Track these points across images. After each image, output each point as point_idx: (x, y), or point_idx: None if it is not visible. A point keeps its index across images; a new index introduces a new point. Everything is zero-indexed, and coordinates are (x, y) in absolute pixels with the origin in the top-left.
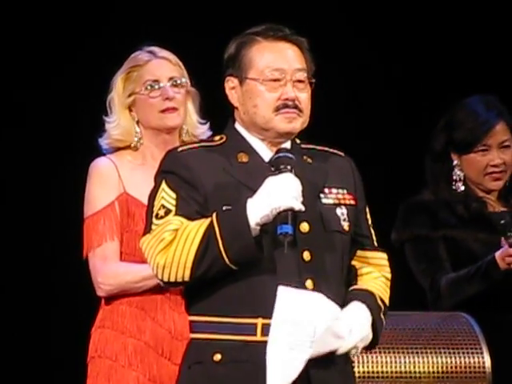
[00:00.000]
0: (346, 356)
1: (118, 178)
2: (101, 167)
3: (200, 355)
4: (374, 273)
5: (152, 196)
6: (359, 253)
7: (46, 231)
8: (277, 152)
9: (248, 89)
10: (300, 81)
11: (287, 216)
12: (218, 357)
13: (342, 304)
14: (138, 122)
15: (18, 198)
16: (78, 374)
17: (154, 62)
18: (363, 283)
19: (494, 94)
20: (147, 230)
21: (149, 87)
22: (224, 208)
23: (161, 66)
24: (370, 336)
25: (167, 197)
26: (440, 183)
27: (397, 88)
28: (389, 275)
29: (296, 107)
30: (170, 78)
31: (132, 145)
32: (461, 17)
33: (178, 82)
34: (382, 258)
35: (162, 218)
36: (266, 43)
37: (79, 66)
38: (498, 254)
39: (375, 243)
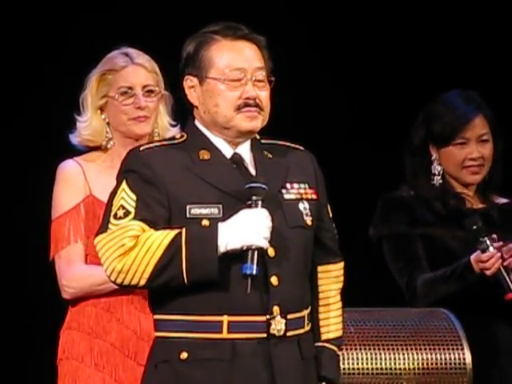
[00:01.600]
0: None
1: (84, 180)
2: (67, 170)
3: (166, 354)
4: (334, 297)
5: (112, 194)
6: (320, 268)
7: (16, 233)
8: (250, 181)
9: (208, 88)
10: (260, 80)
11: (253, 255)
12: (184, 355)
13: (307, 299)
14: (108, 123)
15: None
16: (50, 376)
17: (129, 69)
18: (327, 327)
19: (474, 89)
20: (103, 228)
21: (122, 94)
22: (187, 208)
23: (136, 73)
24: None
25: (127, 197)
26: (419, 177)
27: (373, 83)
28: (341, 285)
29: (257, 105)
30: (144, 86)
31: (102, 145)
32: (441, 12)
33: (152, 89)
34: (339, 268)
35: (120, 218)
36: (226, 42)
37: (50, 66)
38: (473, 257)
39: (336, 236)
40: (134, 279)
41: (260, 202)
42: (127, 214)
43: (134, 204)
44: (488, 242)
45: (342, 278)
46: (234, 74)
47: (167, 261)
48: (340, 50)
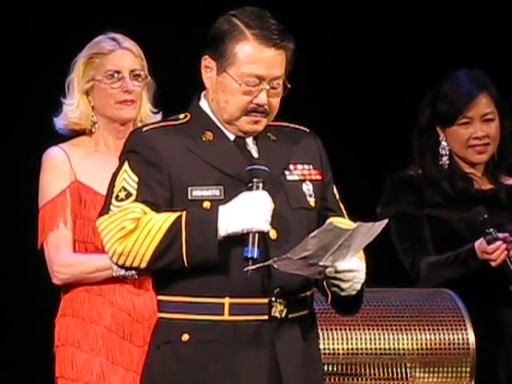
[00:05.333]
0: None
1: (69, 166)
2: (52, 157)
3: (168, 335)
4: None
5: (114, 175)
6: (332, 219)
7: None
8: (250, 163)
9: (224, 81)
10: (275, 88)
11: (254, 238)
12: (186, 337)
13: (309, 281)
14: (93, 108)
15: None
16: (48, 364)
17: (117, 53)
18: None
19: (484, 69)
20: (105, 210)
21: (110, 77)
22: (189, 189)
23: (124, 57)
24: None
25: (129, 179)
26: (426, 158)
27: (381, 62)
28: None
29: (264, 111)
30: (132, 71)
31: (87, 129)
32: None
33: (139, 73)
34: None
35: (122, 200)
36: (255, 45)
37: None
38: (477, 245)
39: (346, 216)
40: (134, 262)
41: (261, 185)
42: (129, 195)
43: (135, 186)
44: (494, 234)
45: None
46: (252, 81)
47: (167, 244)
48: (353, 29)
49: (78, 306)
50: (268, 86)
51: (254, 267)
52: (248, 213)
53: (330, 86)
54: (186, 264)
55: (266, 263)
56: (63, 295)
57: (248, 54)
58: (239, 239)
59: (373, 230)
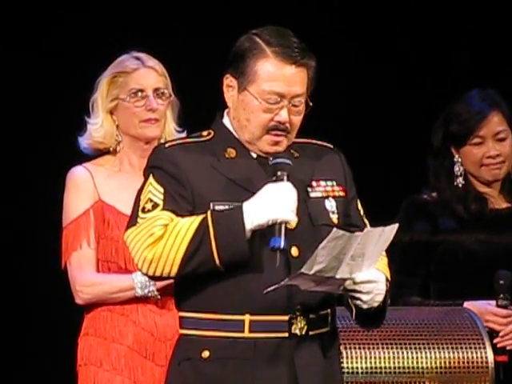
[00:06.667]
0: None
1: (93, 186)
2: (76, 176)
3: (189, 352)
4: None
5: (139, 191)
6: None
7: (24, 240)
8: (274, 156)
9: (245, 100)
10: (296, 105)
11: (281, 228)
12: (206, 354)
13: (331, 298)
14: (117, 127)
15: None
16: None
17: (141, 71)
18: None
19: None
20: (132, 222)
21: (133, 95)
22: (211, 205)
23: (147, 76)
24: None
25: (155, 191)
26: (441, 180)
27: (398, 84)
28: (385, 259)
29: (285, 129)
30: (155, 89)
31: (111, 148)
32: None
33: (163, 92)
34: None
35: (148, 211)
36: (275, 62)
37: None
38: (469, 304)
39: None
40: (165, 268)
41: (285, 177)
42: (155, 206)
43: (161, 196)
44: (508, 301)
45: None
46: (273, 98)
47: (197, 244)
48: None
49: (101, 325)
50: (289, 104)
51: (272, 288)
52: (272, 203)
53: (352, 98)
54: (217, 261)
55: (282, 283)
56: (86, 314)
57: (268, 71)
58: (261, 255)
59: (384, 235)
